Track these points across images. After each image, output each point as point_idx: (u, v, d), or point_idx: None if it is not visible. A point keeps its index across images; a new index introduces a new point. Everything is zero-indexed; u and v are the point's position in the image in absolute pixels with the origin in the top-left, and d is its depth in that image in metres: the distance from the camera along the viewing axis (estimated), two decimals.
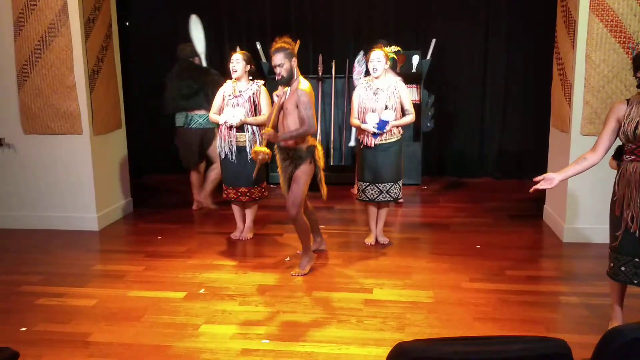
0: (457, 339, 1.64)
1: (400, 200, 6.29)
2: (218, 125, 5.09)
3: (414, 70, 7.26)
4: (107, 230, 5.66)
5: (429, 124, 7.20)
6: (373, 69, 4.74)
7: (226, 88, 5.01)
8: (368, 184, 4.88)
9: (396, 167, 4.88)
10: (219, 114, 4.95)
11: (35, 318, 3.72)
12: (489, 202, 6.54)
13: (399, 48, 6.50)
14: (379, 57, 4.72)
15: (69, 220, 5.59)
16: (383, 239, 5.11)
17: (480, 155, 7.82)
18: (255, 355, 3.22)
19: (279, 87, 4.28)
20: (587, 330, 3.40)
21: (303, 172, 4.26)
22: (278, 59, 4.12)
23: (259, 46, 7.32)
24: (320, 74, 7.47)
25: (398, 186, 4.94)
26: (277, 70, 4.14)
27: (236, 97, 4.89)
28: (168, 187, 7.44)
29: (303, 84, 4.21)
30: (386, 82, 4.82)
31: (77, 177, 5.52)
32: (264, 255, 4.87)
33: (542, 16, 7.01)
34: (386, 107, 4.74)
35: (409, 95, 4.93)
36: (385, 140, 4.77)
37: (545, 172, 5.66)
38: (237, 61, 4.90)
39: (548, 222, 5.61)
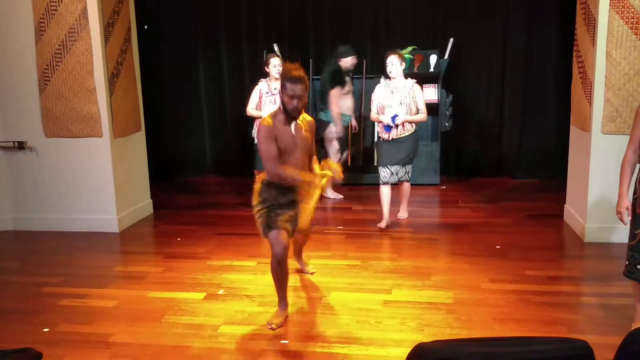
0: (477, 340, 1.63)
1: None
2: None
3: (431, 69, 7.24)
4: (128, 231, 5.72)
5: (447, 124, 7.16)
6: (389, 72, 5.35)
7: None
8: (383, 167, 5.55)
9: (408, 155, 5.50)
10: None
11: (58, 319, 3.77)
12: (509, 201, 6.49)
13: (414, 47, 6.52)
14: (393, 61, 5.35)
15: (90, 222, 5.66)
16: (403, 214, 5.90)
17: (499, 154, 7.76)
18: (274, 356, 3.23)
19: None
20: (609, 331, 3.36)
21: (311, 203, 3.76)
22: (300, 90, 3.42)
23: (276, 47, 7.33)
24: None
25: (407, 169, 5.60)
26: (295, 102, 3.43)
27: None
28: (185, 189, 7.49)
29: (305, 116, 3.69)
30: (402, 83, 5.41)
31: (98, 180, 5.59)
32: None
33: (561, 14, 6.95)
34: (400, 104, 5.34)
35: (422, 96, 5.50)
36: (399, 135, 5.39)
37: (565, 172, 5.66)
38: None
39: (569, 222, 5.55)
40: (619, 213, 3.27)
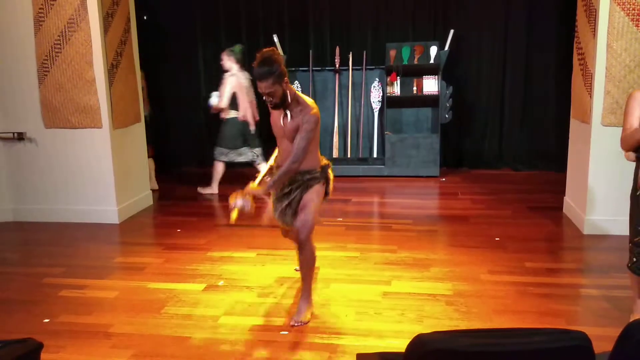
0: (475, 331, 1.63)
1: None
2: None
3: (432, 61, 7.23)
4: (127, 222, 5.73)
5: (447, 116, 7.16)
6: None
7: None
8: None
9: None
10: None
11: (58, 309, 3.78)
12: (508, 193, 6.49)
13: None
14: (223, 57, 6.31)
15: (90, 213, 5.66)
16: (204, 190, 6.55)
17: (499, 146, 7.76)
18: (274, 347, 3.24)
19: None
20: (608, 322, 3.37)
21: (316, 192, 3.55)
22: (265, 87, 3.27)
23: (275, 39, 7.32)
24: (337, 65, 7.46)
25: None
26: (267, 98, 3.35)
27: None
28: (185, 180, 7.49)
29: (314, 107, 3.43)
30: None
31: (97, 171, 5.59)
32: (282, 247, 4.88)
33: (562, 5, 6.92)
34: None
35: (225, 86, 6.35)
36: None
37: (564, 164, 5.65)
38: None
39: (568, 214, 5.55)
40: None
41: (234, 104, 6.41)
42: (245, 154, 6.60)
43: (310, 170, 3.55)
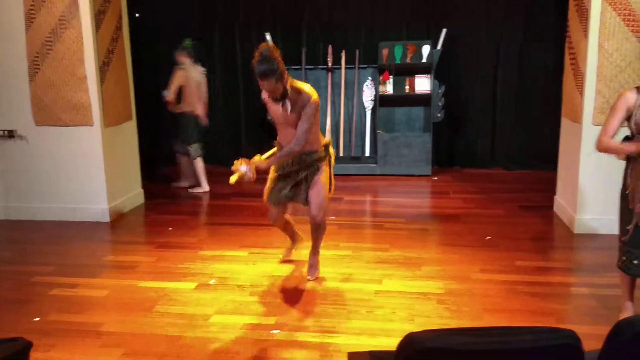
0: (466, 330, 1.64)
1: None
2: None
3: (424, 60, 7.24)
4: (118, 221, 5.70)
5: (439, 115, 7.17)
6: None
7: None
8: None
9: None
10: None
11: (48, 308, 3.76)
12: (500, 193, 6.51)
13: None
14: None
15: (80, 211, 5.63)
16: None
17: (491, 145, 7.78)
18: (265, 346, 3.24)
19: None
20: (598, 321, 3.39)
21: (324, 173, 3.88)
22: (267, 85, 3.48)
23: (268, 37, 7.31)
24: (329, 64, 7.46)
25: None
26: (270, 94, 3.60)
27: None
28: (177, 179, 7.46)
29: (313, 94, 3.63)
30: None
31: (88, 169, 5.56)
32: (274, 246, 4.88)
33: (554, 5, 6.95)
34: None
35: (173, 79, 6.39)
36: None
37: (556, 163, 5.68)
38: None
39: (559, 213, 5.58)
40: (634, 149, 3.11)
41: (185, 98, 6.47)
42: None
43: (314, 150, 3.84)
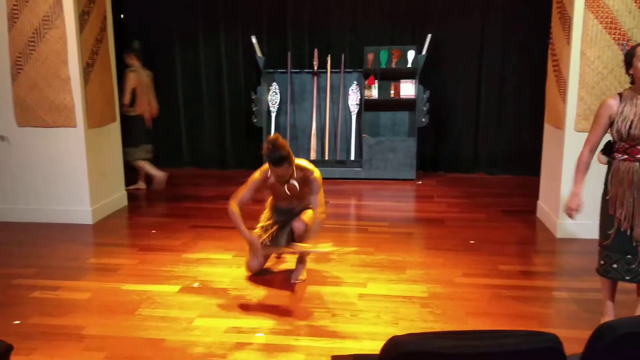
0: (449, 333, 1.65)
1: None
2: None
3: (409, 65, 7.28)
4: (101, 223, 5.65)
5: (423, 119, 7.21)
6: None
7: None
8: None
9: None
10: None
11: (29, 311, 3.72)
12: (483, 197, 6.56)
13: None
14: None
15: (63, 213, 5.58)
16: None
17: (475, 150, 7.83)
18: (249, 349, 3.23)
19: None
20: (579, 325, 3.43)
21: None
22: (281, 171, 3.83)
23: (254, 40, 7.31)
24: (315, 68, 7.47)
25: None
26: (281, 178, 3.91)
27: None
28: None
29: (315, 172, 4.01)
30: None
31: (71, 170, 5.51)
32: None
33: (538, 12, 7.01)
34: None
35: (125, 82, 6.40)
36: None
37: (539, 168, 5.74)
38: None
39: (541, 218, 5.63)
40: (569, 210, 3.32)
41: (134, 101, 6.49)
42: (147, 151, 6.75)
43: (307, 205, 4.17)
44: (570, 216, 3.35)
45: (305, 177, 4.02)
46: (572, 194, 3.34)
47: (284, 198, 4.15)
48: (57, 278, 4.26)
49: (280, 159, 3.76)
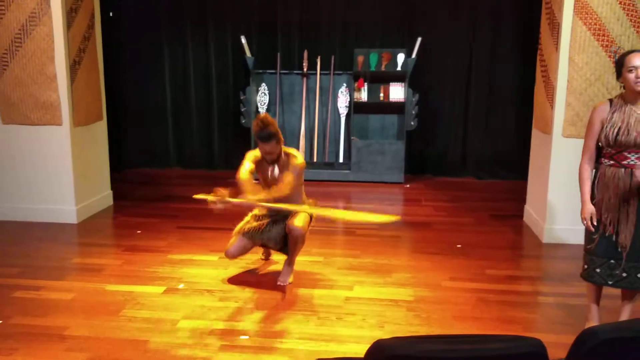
0: (435, 337, 1.65)
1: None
2: None
3: (399, 68, 7.29)
4: (86, 223, 5.60)
5: (412, 123, 7.22)
6: None
7: None
8: None
9: None
10: None
11: (11, 311, 3.67)
12: (471, 201, 6.58)
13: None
14: None
15: (47, 212, 5.52)
16: None
17: (463, 154, 7.86)
18: (234, 352, 3.21)
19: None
20: (563, 330, 3.43)
21: (304, 214, 4.10)
22: (269, 147, 3.89)
23: (243, 40, 7.28)
24: (305, 69, 7.46)
25: None
26: (267, 156, 3.97)
27: None
28: (148, 181, 7.38)
29: (299, 158, 4.01)
30: None
31: (56, 169, 5.45)
32: None
33: (527, 18, 7.06)
34: None
35: None
36: None
37: (526, 173, 5.76)
38: None
39: (528, 223, 5.65)
40: (584, 220, 3.29)
41: None
42: None
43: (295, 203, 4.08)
44: (587, 226, 3.30)
45: (288, 162, 4.01)
46: (582, 202, 3.31)
47: (269, 185, 4.07)
48: (40, 278, 4.21)
49: (269, 135, 3.83)
